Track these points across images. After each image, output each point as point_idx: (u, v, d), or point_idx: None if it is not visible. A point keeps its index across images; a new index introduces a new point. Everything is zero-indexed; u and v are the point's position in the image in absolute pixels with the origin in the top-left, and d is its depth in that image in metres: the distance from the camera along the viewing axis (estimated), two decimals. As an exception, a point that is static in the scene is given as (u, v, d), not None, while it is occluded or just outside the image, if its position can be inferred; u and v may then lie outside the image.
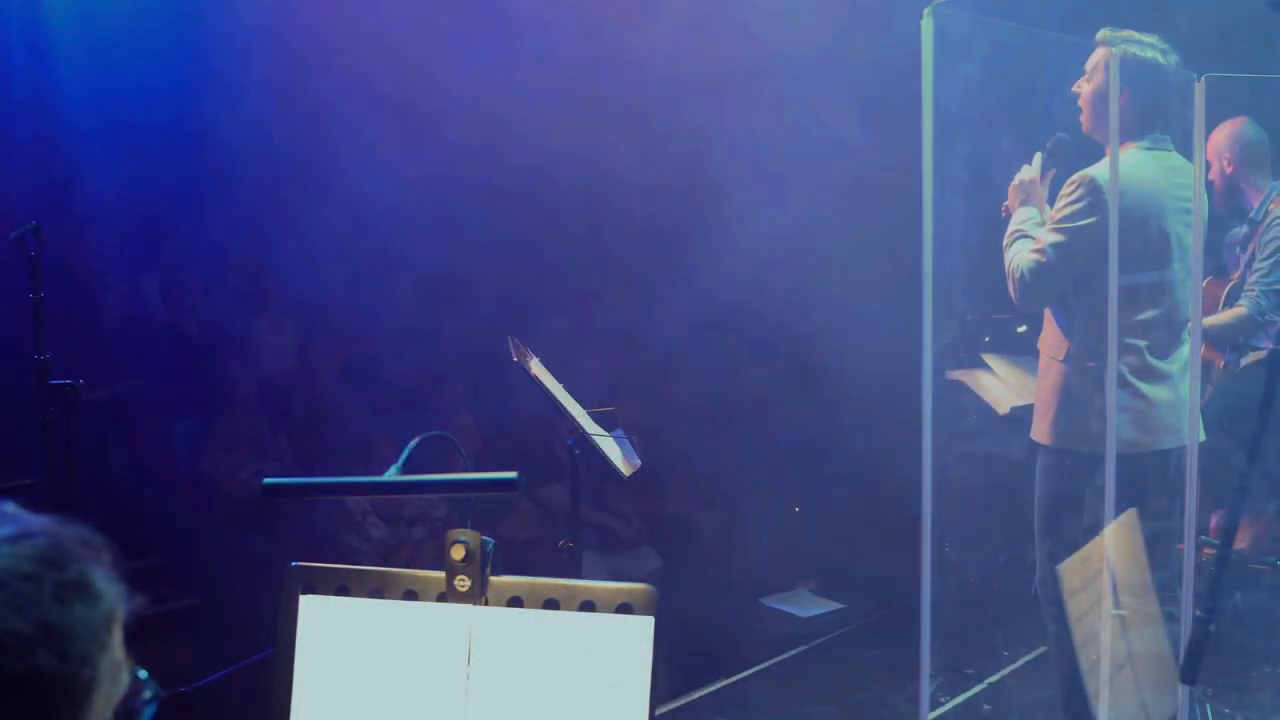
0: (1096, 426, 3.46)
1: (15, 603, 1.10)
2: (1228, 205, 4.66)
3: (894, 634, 5.35)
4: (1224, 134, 4.53)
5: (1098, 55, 3.56)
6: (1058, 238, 3.47)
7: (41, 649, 1.10)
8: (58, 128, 6.98)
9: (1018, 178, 3.71)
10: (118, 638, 1.16)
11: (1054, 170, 3.71)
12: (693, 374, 6.64)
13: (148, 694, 1.19)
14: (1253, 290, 4.40)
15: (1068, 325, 3.57)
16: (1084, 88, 3.59)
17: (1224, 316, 4.51)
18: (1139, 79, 3.46)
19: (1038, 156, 3.70)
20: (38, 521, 1.16)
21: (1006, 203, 3.75)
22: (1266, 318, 4.37)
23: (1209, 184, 4.39)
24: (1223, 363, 4.64)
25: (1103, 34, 3.56)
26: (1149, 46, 3.49)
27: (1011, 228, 3.66)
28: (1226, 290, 4.60)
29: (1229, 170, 4.56)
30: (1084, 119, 3.62)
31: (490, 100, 6.41)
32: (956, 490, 4.06)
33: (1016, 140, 3.86)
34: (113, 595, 1.16)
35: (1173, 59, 3.51)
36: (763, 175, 6.25)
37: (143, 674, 1.20)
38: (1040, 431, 3.66)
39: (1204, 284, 4.58)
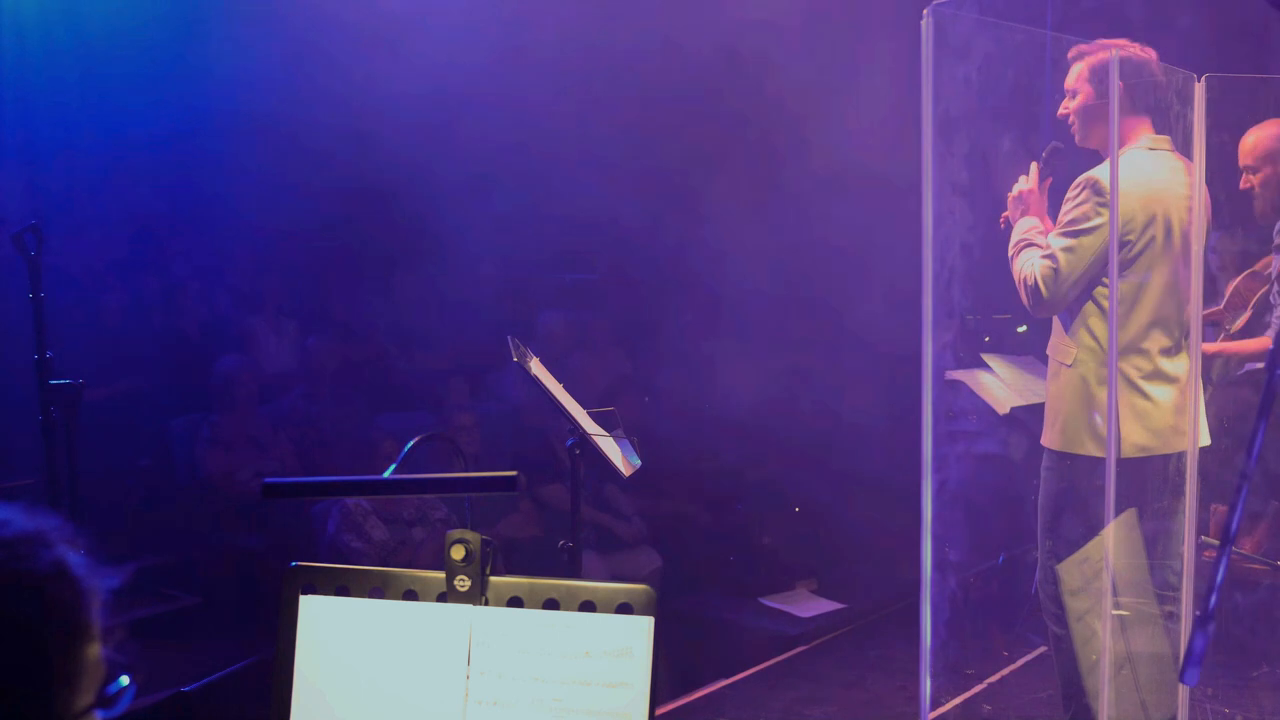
0: (1105, 430, 3.44)
1: (16, 583, 1.11)
2: (1275, 211, 4.48)
3: (894, 634, 5.35)
4: (1269, 136, 4.38)
5: (1076, 71, 3.55)
6: (1067, 242, 3.44)
7: (48, 625, 1.11)
8: (58, 129, 6.98)
9: (1016, 189, 3.68)
10: (98, 622, 1.17)
11: (1050, 178, 3.69)
12: (692, 373, 6.64)
13: (125, 681, 1.20)
14: None
15: (1074, 330, 3.54)
16: (1069, 105, 3.58)
17: (1243, 346, 4.35)
18: (1127, 81, 3.45)
19: (1034, 166, 3.68)
20: (11, 511, 1.16)
21: (1005, 214, 3.73)
22: None
23: (1247, 189, 4.32)
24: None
25: (1074, 51, 3.57)
26: (1123, 49, 3.47)
27: (1015, 238, 3.63)
28: (1257, 298, 4.47)
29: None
30: (1076, 133, 3.60)
31: (489, 100, 6.41)
32: (956, 490, 4.05)
33: (1016, 140, 3.87)
34: (90, 580, 1.17)
35: (1149, 54, 3.49)
36: (761, 176, 6.25)
37: (123, 670, 1.21)
38: (1050, 437, 3.61)
39: (1237, 281, 4.49)
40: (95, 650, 1.16)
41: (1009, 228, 3.70)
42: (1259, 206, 4.37)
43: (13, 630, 1.10)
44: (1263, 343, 4.30)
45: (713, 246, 6.52)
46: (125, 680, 1.19)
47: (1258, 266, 4.55)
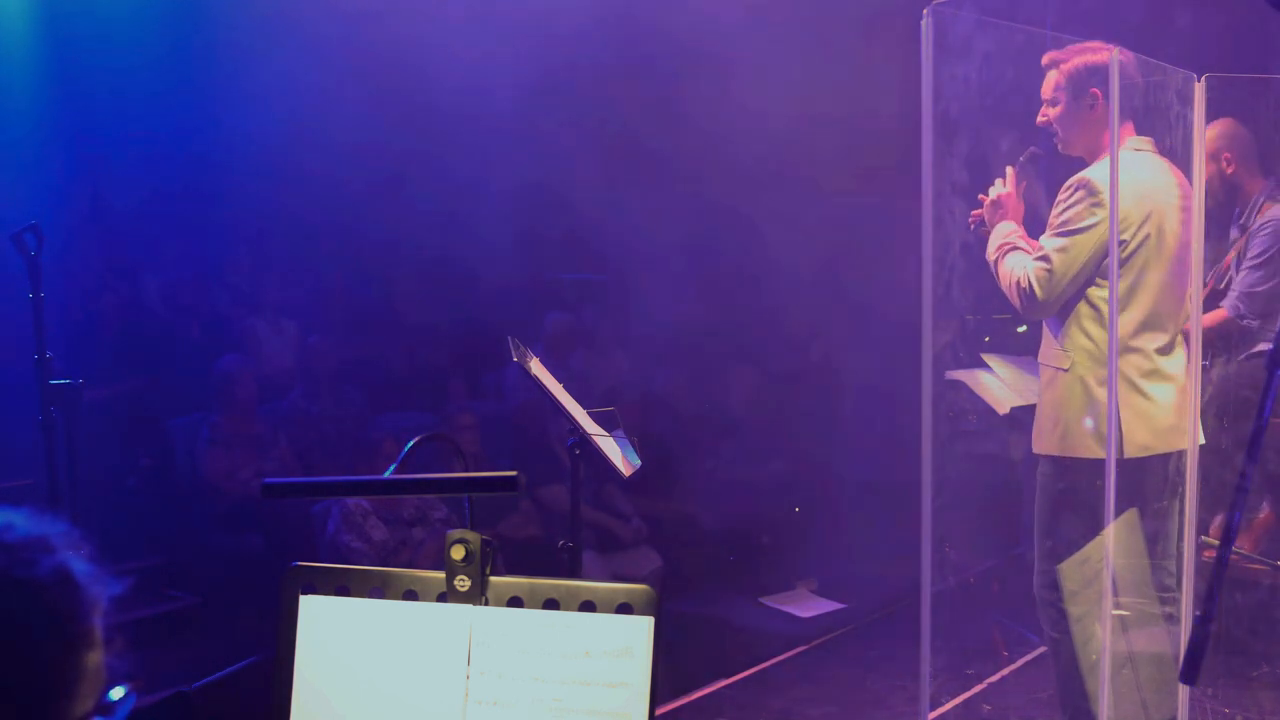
0: (1105, 431, 3.42)
1: (18, 589, 1.11)
2: (1227, 204, 4.66)
3: (894, 634, 5.35)
4: (1218, 133, 4.50)
5: (1052, 79, 3.52)
6: (1061, 242, 3.42)
7: (48, 631, 1.11)
8: (59, 129, 6.98)
9: (992, 193, 3.65)
10: (99, 628, 1.16)
11: (1025, 183, 3.68)
12: (692, 374, 6.65)
13: (124, 689, 1.19)
14: (1234, 292, 4.46)
15: (1069, 333, 3.50)
16: (1050, 113, 3.54)
17: (1206, 320, 4.48)
18: (1103, 87, 3.44)
19: (1010, 171, 3.65)
20: (17, 514, 1.16)
21: (980, 213, 3.68)
22: (1245, 321, 4.40)
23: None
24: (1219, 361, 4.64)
25: (1048, 58, 3.54)
26: (1095, 52, 3.46)
27: (997, 242, 3.59)
28: (1208, 289, 4.59)
29: (1229, 170, 4.57)
30: (1059, 141, 3.57)
31: (491, 100, 6.41)
32: (956, 490, 4.05)
33: (1016, 140, 3.86)
34: (94, 587, 1.16)
35: (1126, 56, 3.48)
36: (762, 175, 6.25)
37: (124, 679, 1.20)
38: (1050, 443, 3.55)
39: (1210, 283, 4.59)
40: (96, 658, 1.16)
41: (979, 228, 3.68)
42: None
43: (12, 636, 1.10)
44: (1216, 315, 4.47)
45: (713, 245, 6.52)
46: (124, 689, 1.19)
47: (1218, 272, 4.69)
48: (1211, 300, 4.63)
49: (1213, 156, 4.49)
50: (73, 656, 1.13)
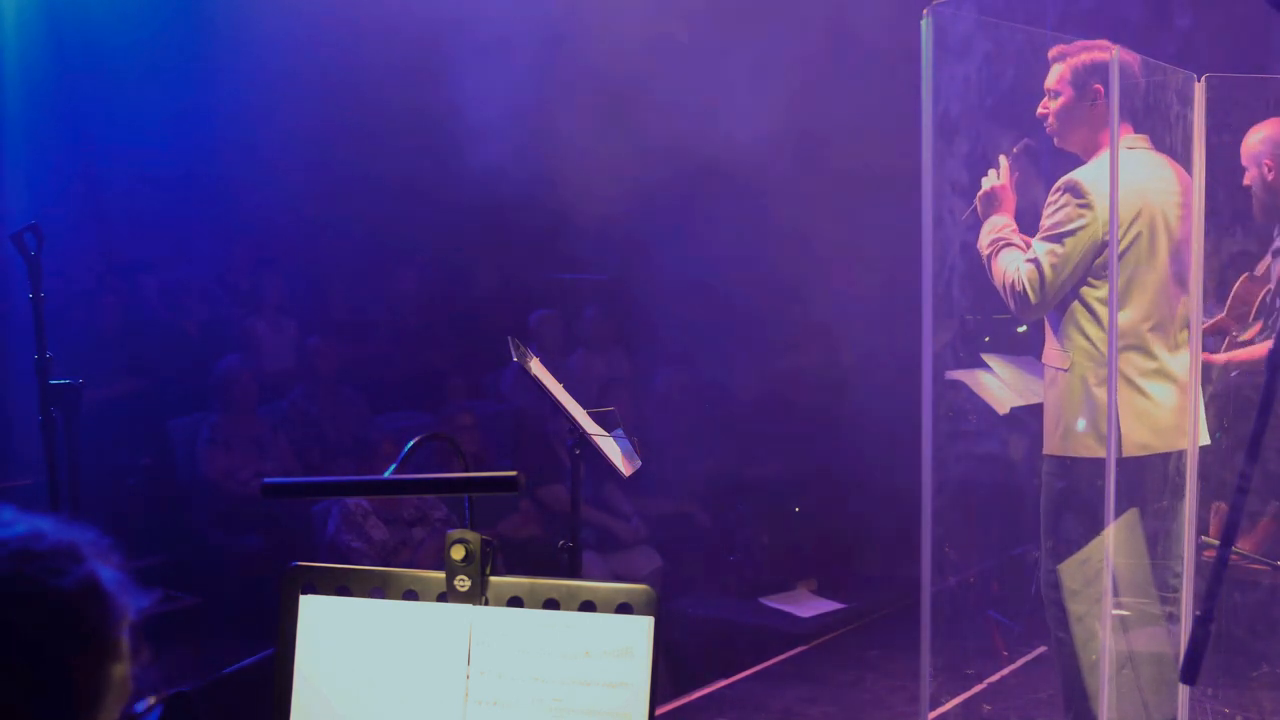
0: (1104, 430, 3.43)
1: (47, 600, 1.10)
2: (1271, 213, 4.43)
3: (894, 634, 5.35)
4: (1263, 136, 4.23)
5: (1057, 72, 3.52)
6: (1051, 246, 3.42)
7: (75, 643, 1.10)
8: (59, 129, 6.97)
9: (986, 185, 3.64)
10: (126, 639, 1.16)
11: (1018, 174, 3.67)
12: (691, 374, 6.64)
13: (152, 700, 1.19)
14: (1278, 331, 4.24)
15: (1067, 334, 3.51)
16: (1050, 105, 3.54)
17: (1251, 354, 4.31)
18: (1107, 83, 3.43)
19: (1003, 161, 3.65)
20: (46, 522, 1.15)
21: (975, 208, 3.66)
22: None
23: (1244, 190, 4.29)
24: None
25: (1055, 51, 3.54)
26: (1102, 50, 3.46)
27: (991, 236, 3.59)
28: (1258, 301, 4.42)
29: (1270, 177, 4.26)
30: (1056, 135, 3.57)
31: (491, 101, 6.41)
32: (956, 490, 4.05)
33: (1016, 140, 3.86)
34: (120, 598, 1.15)
35: (1132, 57, 3.47)
36: (762, 174, 6.25)
37: (149, 696, 1.20)
38: (1053, 443, 3.57)
39: (1241, 281, 4.46)
40: (122, 669, 1.14)
41: (975, 222, 3.67)
42: (1254, 207, 4.35)
43: (40, 647, 1.08)
44: (1259, 350, 4.28)
45: (713, 245, 6.52)
46: (150, 701, 1.18)
47: (1258, 271, 4.53)
48: (1250, 290, 4.45)
49: (1254, 160, 4.32)
50: (99, 668, 1.12)
